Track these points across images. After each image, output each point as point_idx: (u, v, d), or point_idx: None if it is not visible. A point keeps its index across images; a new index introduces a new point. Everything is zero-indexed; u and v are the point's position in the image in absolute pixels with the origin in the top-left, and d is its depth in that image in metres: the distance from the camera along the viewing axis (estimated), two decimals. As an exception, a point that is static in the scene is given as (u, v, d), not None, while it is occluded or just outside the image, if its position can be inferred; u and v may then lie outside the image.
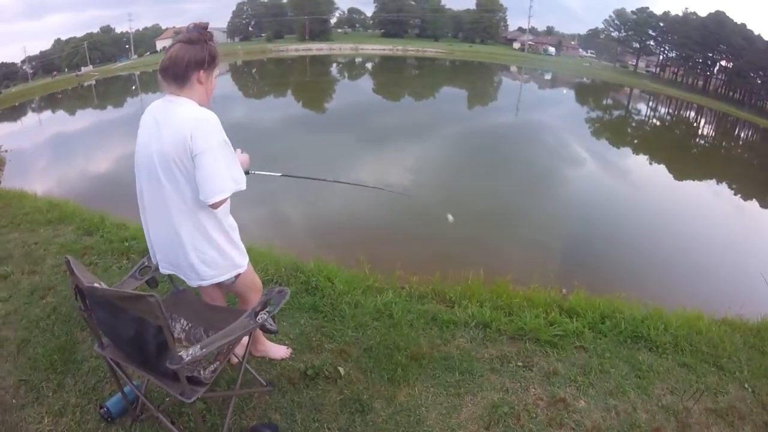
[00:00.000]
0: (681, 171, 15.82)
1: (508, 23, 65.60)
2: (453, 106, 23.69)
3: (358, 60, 49.36)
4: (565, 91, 34.75)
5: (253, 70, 44.26)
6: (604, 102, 30.34)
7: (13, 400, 2.74)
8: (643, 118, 27.24)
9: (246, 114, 21.24)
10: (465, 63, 47.32)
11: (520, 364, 3.28)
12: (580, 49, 59.45)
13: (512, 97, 28.87)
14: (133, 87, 36.29)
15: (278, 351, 3.20)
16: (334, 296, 4.03)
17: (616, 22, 56.30)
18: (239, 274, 2.48)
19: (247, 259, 2.52)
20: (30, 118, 28.86)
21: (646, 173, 14.34)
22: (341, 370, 3.13)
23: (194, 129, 2.05)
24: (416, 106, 25.37)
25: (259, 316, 2.18)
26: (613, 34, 56.85)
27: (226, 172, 2.13)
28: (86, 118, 24.01)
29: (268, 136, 16.09)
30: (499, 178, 11.61)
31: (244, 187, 2.23)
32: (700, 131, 28.78)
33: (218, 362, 2.22)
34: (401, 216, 8.73)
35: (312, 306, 3.90)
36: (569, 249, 7.62)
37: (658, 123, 26.26)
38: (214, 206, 2.15)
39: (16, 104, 32.22)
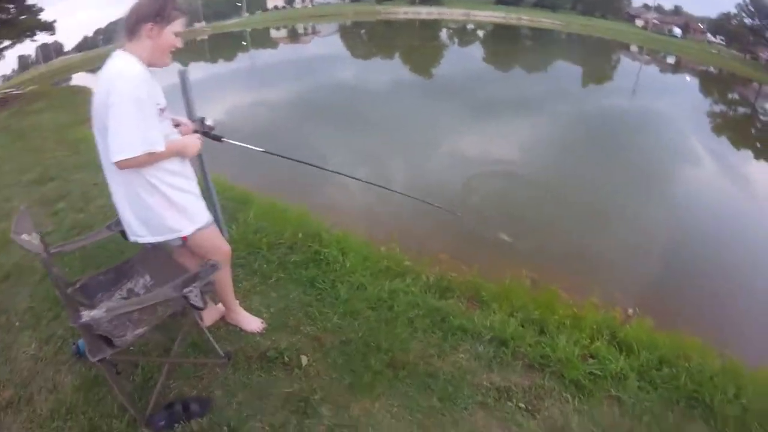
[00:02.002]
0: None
1: (632, -2, 59.13)
2: (565, 82, 21.78)
3: (469, 26, 47.10)
4: (688, 79, 30.80)
5: (362, 31, 43.51)
6: (730, 96, 26.46)
7: (17, 323, 2.95)
8: (771, 120, 23.40)
9: (354, 75, 21.01)
10: (582, 37, 43.30)
11: (522, 405, 2.50)
12: (708, 34, 52.13)
13: (630, 78, 26.02)
14: (243, 42, 37.36)
15: (251, 323, 2.91)
16: (340, 273, 3.50)
17: (750, 8, 48.32)
18: (186, 237, 2.32)
19: (197, 224, 2.33)
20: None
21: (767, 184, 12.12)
22: (304, 359, 2.68)
23: (111, 83, 1.95)
24: (527, 78, 23.72)
25: (187, 288, 2.00)
26: (745, 20, 49.26)
27: (132, 130, 1.97)
28: (198, 70, 24.90)
29: (374, 99, 15.70)
30: (599, 168, 10.17)
31: (159, 149, 2.05)
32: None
33: (146, 326, 2.10)
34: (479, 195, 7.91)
35: (310, 280, 3.42)
36: (656, 264, 6.34)
37: (787, 128, 22.53)
38: (120, 166, 2.00)
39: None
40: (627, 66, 32.48)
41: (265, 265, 3.57)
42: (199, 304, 2.10)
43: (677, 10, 57.23)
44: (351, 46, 34.54)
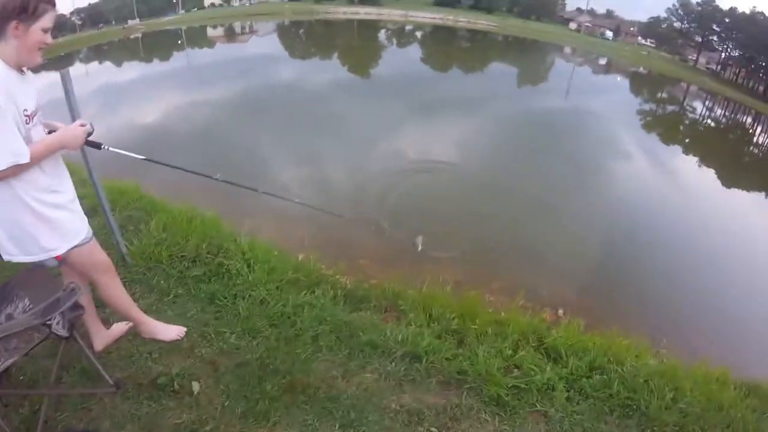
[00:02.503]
0: (733, 180, 13.84)
1: (566, 1, 61.46)
2: (501, 83, 22.44)
3: (408, 27, 47.78)
4: (618, 79, 32.58)
5: (300, 31, 43.70)
6: (659, 95, 28.16)
7: None
8: (698, 117, 24.95)
9: (293, 75, 20.68)
10: (517, 39, 45.02)
11: (434, 429, 2.27)
12: (639, 37, 55.34)
13: (564, 79, 27.14)
14: (179, 41, 36.43)
15: (167, 331, 2.73)
16: (243, 287, 3.20)
17: (680, 12, 51.68)
18: (61, 257, 2.17)
19: (71, 242, 2.17)
20: (77, 68, 28.96)
21: (694, 178, 12.69)
22: (196, 386, 2.41)
23: None
24: (463, 79, 24.27)
25: (49, 316, 1.86)
26: (675, 24, 52.67)
27: None
28: (132, 69, 24.00)
29: (312, 99, 15.51)
30: (532, 168, 10.28)
31: (23, 160, 1.87)
32: (756, 139, 25.54)
33: (17, 355, 1.95)
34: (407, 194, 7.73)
35: (210, 296, 3.10)
36: (588, 262, 6.34)
37: (712, 124, 23.98)
38: None
39: (62, 54, 32.52)
40: (561, 67, 33.86)
41: (163, 281, 3.24)
42: (63, 332, 1.96)
43: (609, 14, 59.95)
44: (289, 46, 34.34)
